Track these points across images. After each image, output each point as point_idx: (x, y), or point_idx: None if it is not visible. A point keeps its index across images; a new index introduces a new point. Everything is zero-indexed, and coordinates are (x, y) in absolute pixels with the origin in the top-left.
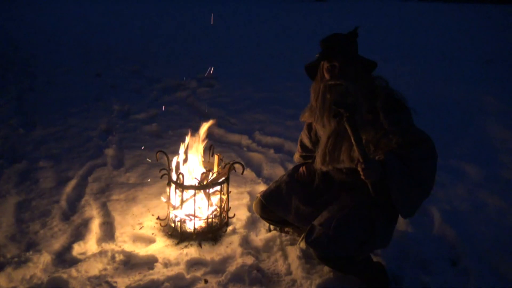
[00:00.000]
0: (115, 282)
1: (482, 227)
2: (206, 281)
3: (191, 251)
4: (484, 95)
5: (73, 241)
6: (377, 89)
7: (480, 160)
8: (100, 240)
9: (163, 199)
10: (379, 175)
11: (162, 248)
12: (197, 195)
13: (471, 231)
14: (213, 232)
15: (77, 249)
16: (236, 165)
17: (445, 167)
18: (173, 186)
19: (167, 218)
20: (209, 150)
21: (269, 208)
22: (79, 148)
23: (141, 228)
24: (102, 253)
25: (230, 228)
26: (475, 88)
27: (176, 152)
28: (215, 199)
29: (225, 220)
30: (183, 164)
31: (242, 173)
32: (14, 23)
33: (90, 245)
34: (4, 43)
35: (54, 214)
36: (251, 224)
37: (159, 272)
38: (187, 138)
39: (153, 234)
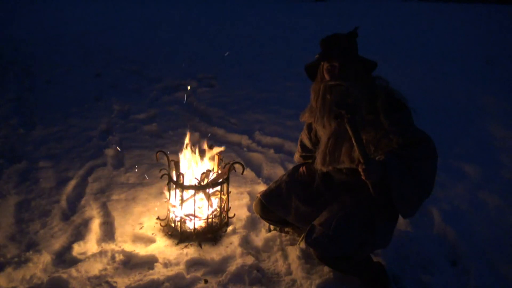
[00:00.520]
0: (115, 282)
1: (482, 227)
2: (206, 281)
3: (191, 251)
4: (484, 95)
5: (73, 241)
6: (377, 89)
7: (480, 160)
8: (100, 240)
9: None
10: (380, 176)
11: (162, 248)
12: (197, 195)
13: (471, 231)
14: (213, 232)
15: (77, 249)
16: (236, 165)
17: (445, 167)
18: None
19: (167, 218)
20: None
21: (269, 208)
22: (79, 148)
23: (141, 228)
24: (102, 253)
25: (230, 228)
26: (475, 88)
27: (176, 152)
28: (215, 199)
29: (225, 220)
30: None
31: (242, 173)
32: (14, 23)
33: (90, 245)
34: (4, 43)
35: (54, 214)
36: (251, 224)
37: (159, 272)
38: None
39: (153, 234)
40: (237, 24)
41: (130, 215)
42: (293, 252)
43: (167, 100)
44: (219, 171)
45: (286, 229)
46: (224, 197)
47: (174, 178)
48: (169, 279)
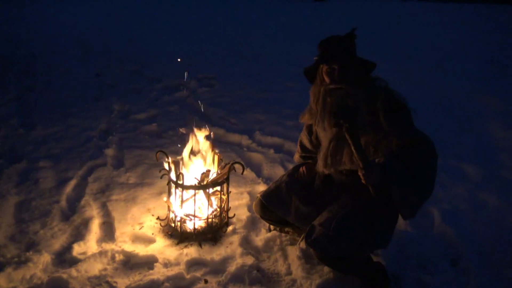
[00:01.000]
0: (115, 282)
1: (482, 227)
2: (206, 281)
3: (191, 251)
4: (484, 95)
5: (73, 241)
6: (377, 90)
7: (480, 160)
8: (100, 240)
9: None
10: (380, 179)
11: (162, 248)
12: (197, 195)
13: (471, 231)
14: (213, 232)
15: (77, 249)
16: (236, 165)
17: (445, 167)
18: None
19: (167, 218)
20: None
21: (269, 208)
22: (79, 148)
23: (141, 228)
24: (102, 253)
25: (230, 228)
26: (475, 88)
27: (176, 152)
28: (215, 199)
29: (225, 220)
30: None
31: (242, 173)
32: (14, 23)
33: (90, 245)
34: (4, 43)
35: (54, 214)
36: (251, 224)
37: (159, 272)
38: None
39: (153, 234)
40: (237, 24)
41: (130, 215)
42: (293, 252)
43: (167, 100)
44: (219, 171)
45: (286, 229)
46: (224, 197)
47: (174, 178)
48: (169, 279)
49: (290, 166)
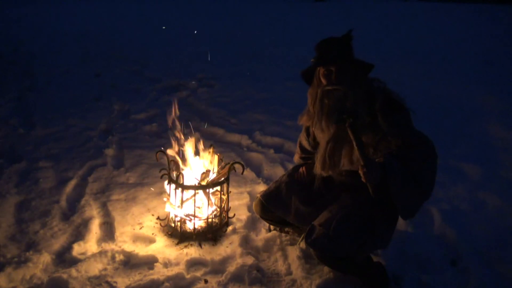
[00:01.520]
0: (115, 282)
1: (482, 227)
2: (206, 281)
3: (191, 251)
4: (484, 95)
5: (73, 241)
6: (375, 91)
7: (480, 160)
8: (100, 240)
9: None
10: (380, 178)
11: (162, 248)
12: (197, 195)
13: (471, 231)
14: (213, 232)
15: (77, 249)
16: (236, 165)
17: (445, 167)
18: (173, 186)
19: (167, 218)
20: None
21: (269, 208)
22: (79, 148)
23: (141, 228)
24: (102, 253)
25: (230, 228)
26: (475, 88)
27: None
28: (215, 199)
29: (225, 220)
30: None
31: (242, 173)
32: (14, 23)
33: (90, 245)
34: (4, 43)
35: (54, 214)
36: (251, 224)
37: (159, 272)
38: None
39: (153, 234)
40: (237, 24)
41: (130, 215)
42: (293, 252)
43: (167, 100)
44: (219, 171)
45: (286, 229)
46: (224, 197)
47: (174, 178)
48: (169, 279)
49: (290, 166)
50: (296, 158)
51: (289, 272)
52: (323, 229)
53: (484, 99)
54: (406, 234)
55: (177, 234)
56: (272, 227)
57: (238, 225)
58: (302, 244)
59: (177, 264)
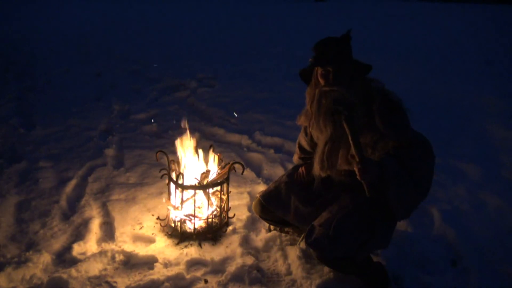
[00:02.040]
0: (115, 282)
1: (482, 227)
2: (206, 281)
3: (191, 251)
4: (484, 95)
5: (73, 241)
6: (373, 92)
7: (480, 160)
8: (100, 240)
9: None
10: (375, 176)
11: (162, 248)
12: (197, 195)
13: (471, 231)
14: (213, 232)
15: (77, 249)
16: (236, 165)
17: (445, 167)
18: (173, 186)
19: (167, 218)
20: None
21: (269, 208)
22: (79, 148)
23: (141, 228)
24: (102, 253)
25: (230, 228)
26: (475, 88)
27: (176, 152)
28: (215, 199)
29: (225, 220)
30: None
31: (242, 173)
32: (14, 23)
33: (90, 245)
34: (4, 43)
35: (54, 214)
36: (251, 224)
37: (159, 272)
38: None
39: (153, 234)
40: (237, 24)
41: (130, 215)
42: (293, 252)
43: (167, 100)
44: (219, 171)
45: (286, 229)
46: (224, 197)
47: (174, 178)
48: (169, 279)
49: (290, 166)
50: (296, 158)
51: (289, 272)
52: (323, 229)
53: (484, 99)
54: (406, 234)
55: (177, 234)
56: (272, 227)
57: (238, 225)
58: (302, 244)
59: (177, 264)
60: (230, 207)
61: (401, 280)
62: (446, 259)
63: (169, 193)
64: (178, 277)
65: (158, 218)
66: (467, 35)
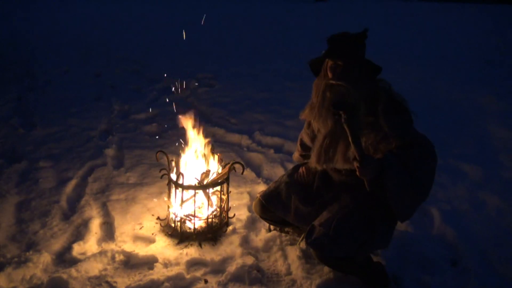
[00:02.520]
0: (115, 282)
1: (482, 227)
2: (206, 281)
3: (191, 251)
4: (484, 95)
5: (73, 241)
6: (379, 92)
7: (480, 160)
8: (100, 240)
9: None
10: (375, 173)
11: (162, 248)
12: (197, 195)
13: (471, 231)
14: (213, 232)
15: (77, 249)
16: (236, 165)
17: (445, 167)
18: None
19: (167, 218)
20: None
21: (269, 208)
22: (79, 148)
23: (141, 228)
24: (102, 253)
25: (230, 228)
26: (475, 88)
27: (176, 152)
28: (215, 199)
29: (225, 220)
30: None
31: (242, 173)
32: (14, 23)
33: (90, 245)
34: (4, 43)
35: (54, 214)
36: (251, 224)
37: (159, 272)
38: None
39: (153, 234)
40: (238, 24)
41: (130, 215)
42: (293, 252)
43: (167, 100)
44: (219, 171)
45: (286, 229)
46: (224, 197)
47: (174, 178)
48: (169, 279)
49: (290, 166)
50: (296, 156)
51: (289, 272)
52: (323, 229)
53: (484, 99)
54: (406, 234)
55: (177, 234)
56: (272, 227)
57: (238, 225)
58: (302, 244)
59: (177, 264)
60: (230, 207)
61: (401, 280)
62: (446, 259)
63: (169, 193)
64: (178, 277)
65: (158, 218)
66: (467, 35)
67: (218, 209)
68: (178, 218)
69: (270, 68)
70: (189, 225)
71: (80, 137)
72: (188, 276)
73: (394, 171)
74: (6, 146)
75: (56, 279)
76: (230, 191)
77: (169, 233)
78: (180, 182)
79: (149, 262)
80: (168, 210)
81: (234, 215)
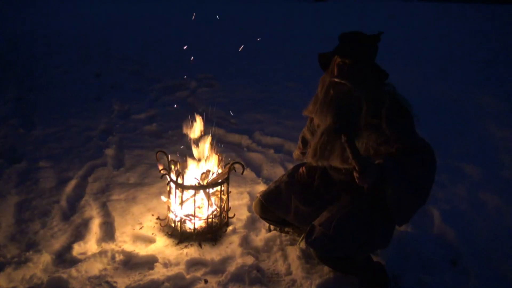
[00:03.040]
0: (115, 282)
1: (482, 227)
2: (206, 281)
3: (191, 251)
4: (484, 95)
5: (73, 241)
6: (383, 95)
7: (480, 160)
8: (100, 240)
9: (163, 198)
10: (375, 180)
11: (162, 248)
12: (197, 195)
13: (471, 231)
14: (213, 232)
15: (77, 249)
16: (236, 165)
17: (445, 167)
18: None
19: (167, 218)
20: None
21: (269, 208)
22: (79, 148)
23: (141, 228)
24: (102, 253)
25: (230, 228)
26: (475, 88)
27: (176, 152)
28: (215, 199)
29: (225, 220)
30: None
31: (242, 173)
32: (14, 23)
33: (90, 245)
34: (4, 43)
35: (54, 214)
36: (251, 224)
37: (159, 272)
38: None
39: (153, 234)
40: (237, 24)
41: (130, 215)
42: (293, 252)
43: (167, 100)
44: (219, 171)
45: (286, 229)
46: (224, 197)
47: (174, 178)
48: (169, 279)
49: (290, 166)
50: (297, 153)
51: (289, 272)
52: (323, 229)
53: (484, 99)
54: (406, 234)
55: (177, 234)
56: (272, 227)
57: (238, 225)
58: (302, 244)
59: (177, 264)
60: (230, 207)
61: (401, 280)
62: (446, 259)
63: (169, 192)
64: (178, 277)
65: (158, 218)
66: (467, 35)
67: (218, 209)
68: (178, 218)
69: (270, 68)
70: (189, 225)
71: (80, 137)
72: (188, 276)
73: (394, 179)
74: (6, 146)
75: (56, 279)
76: (230, 191)
77: (169, 233)
78: (180, 182)
79: (149, 262)
80: (168, 210)
81: (234, 215)
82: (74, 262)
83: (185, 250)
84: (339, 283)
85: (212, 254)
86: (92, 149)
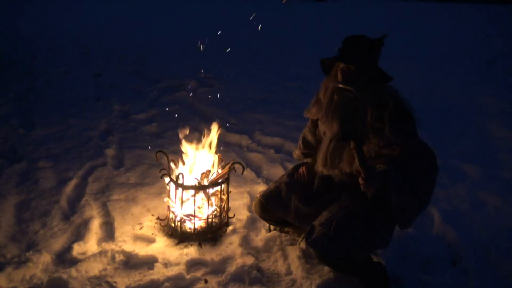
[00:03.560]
0: (115, 282)
1: (482, 227)
2: (206, 281)
3: (191, 251)
4: (484, 96)
5: (73, 241)
6: (386, 98)
7: (480, 160)
8: (100, 240)
9: (166, 199)
10: (378, 187)
11: (162, 248)
12: (197, 195)
13: (471, 231)
14: (213, 232)
15: (77, 249)
16: (236, 165)
17: (445, 167)
18: (173, 186)
19: (167, 218)
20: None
21: (269, 208)
22: (79, 148)
23: (141, 228)
24: (102, 253)
25: (230, 228)
26: (475, 89)
27: (176, 152)
28: (215, 199)
29: (225, 220)
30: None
31: (242, 173)
32: (14, 22)
33: (90, 245)
34: (4, 43)
35: (54, 214)
36: (251, 224)
37: (159, 272)
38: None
39: (153, 234)
40: (237, 24)
41: (130, 215)
42: (293, 252)
43: (167, 100)
44: (219, 171)
45: (286, 229)
46: (224, 197)
47: (174, 178)
48: (169, 279)
49: (290, 166)
50: (297, 153)
51: (289, 272)
52: (323, 229)
53: (484, 99)
54: (406, 234)
55: (177, 234)
56: (272, 227)
57: (238, 225)
58: (302, 244)
59: (177, 264)
60: (230, 207)
61: (401, 280)
62: (446, 259)
63: (169, 193)
64: (178, 277)
65: (158, 218)
66: (468, 35)
67: (218, 209)
68: (178, 218)
69: (270, 68)
70: (189, 225)
71: (80, 137)
72: (188, 276)
73: (397, 185)
74: (6, 146)
75: (56, 279)
76: (230, 191)
77: (169, 233)
78: (180, 182)
79: (149, 262)
80: (168, 210)
81: (234, 215)
82: (74, 262)
83: (185, 250)
84: (339, 283)
85: (212, 254)
86: (92, 149)
